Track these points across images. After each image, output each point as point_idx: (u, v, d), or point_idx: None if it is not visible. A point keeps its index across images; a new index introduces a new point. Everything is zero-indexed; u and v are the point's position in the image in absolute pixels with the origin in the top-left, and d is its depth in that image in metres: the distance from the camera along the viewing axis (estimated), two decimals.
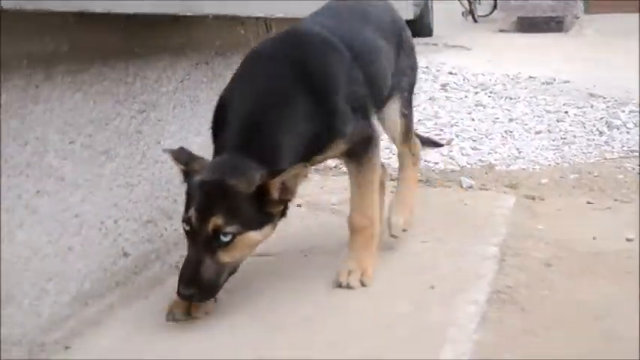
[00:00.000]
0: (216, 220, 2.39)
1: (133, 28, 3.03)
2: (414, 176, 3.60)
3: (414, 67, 3.50)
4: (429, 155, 5.25)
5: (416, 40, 9.22)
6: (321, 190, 3.47)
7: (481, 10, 16.73)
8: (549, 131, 6.08)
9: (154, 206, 3.32)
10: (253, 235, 2.49)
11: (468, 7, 16.31)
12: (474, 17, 16.57)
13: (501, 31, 14.95)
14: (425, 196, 4.42)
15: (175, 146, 2.99)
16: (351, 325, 2.75)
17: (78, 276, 2.82)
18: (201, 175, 2.50)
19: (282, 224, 3.21)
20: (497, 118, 6.31)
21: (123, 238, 3.00)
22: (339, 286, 2.89)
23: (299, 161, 2.61)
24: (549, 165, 5.26)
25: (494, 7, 16.19)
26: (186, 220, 2.45)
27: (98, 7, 2.53)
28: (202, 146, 3.59)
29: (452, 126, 5.97)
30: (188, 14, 3.20)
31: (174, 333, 2.67)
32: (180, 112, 3.60)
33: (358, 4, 3.28)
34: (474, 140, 5.65)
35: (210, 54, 3.87)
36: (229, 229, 2.41)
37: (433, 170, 4.97)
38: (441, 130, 5.85)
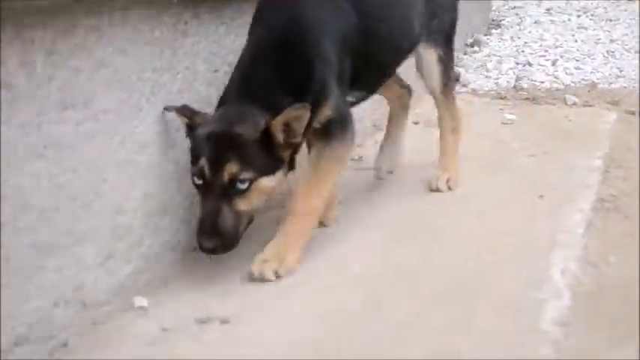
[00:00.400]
0: (232, 167, 2.17)
1: None
2: (454, 144, 3.24)
3: (446, 7, 3.09)
4: (535, 75, 5.23)
5: None
6: (434, 109, 3.46)
7: None
8: None
9: None
10: (267, 181, 2.26)
11: None
12: None
13: None
14: (531, 113, 4.46)
15: None
16: (468, 232, 2.78)
17: None
18: (206, 127, 2.27)
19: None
20: (599, 39, 6.17)
21: None
22: (252, 275, 2.46)
23: None
24: None
25: None
26: (197, 172, 2.22)
27: None
28: None
29: (556, 47, 5.89)
30: None
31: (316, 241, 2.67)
32: None
33: None
34: (577, 60, 5.57)
35: None
36: (245, 175, 2.19)
37: (539, 89, 4.95)
38: (546, 51, 5.78)
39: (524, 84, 5.08)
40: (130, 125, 2.42)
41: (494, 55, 5.74)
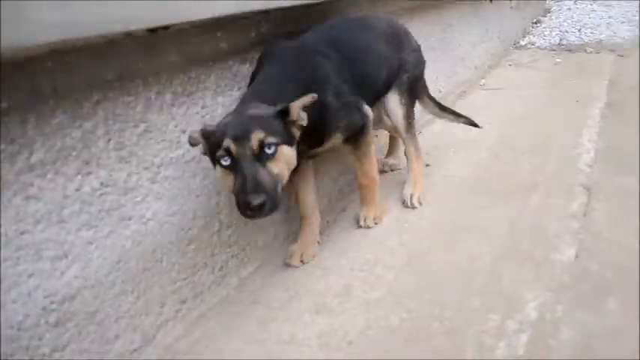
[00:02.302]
0: (259, 134, 1.51)
1: None
2: (418, 168, 2.32)
3: (414, 64, 2.28)
4: (570, 37, 5.30)
5: None
6: (496, 77, 3.80)
7: None
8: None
9: None
10: (288, 150, 1.59)
11: None
12: None
13: None
14: (569, 57, 4.61)
15: None
16: (537, 119, 3.05)
17: None
18: (221, 123, 1.59)
19: None
20: (602, 17, 6.12)
21: None
22: (359, 225, 2.10)
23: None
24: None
25: None
26: (224, 152, 1.51)
27: None
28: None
29: (579, 22, 5.91)
30: None
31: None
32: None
33: (360, 19, 2.27)
34: (591, 28, 5.57)
35: None
36: (270, 139, 1.52)
37: (572, 44, 5.01)
38: (574, 24, 5.79)
39: (564, 42, 5.10)
40: None
41: (547, 27, 5.75)
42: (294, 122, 1.62)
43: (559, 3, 7.15)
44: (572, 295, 1.57)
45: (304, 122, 1.64)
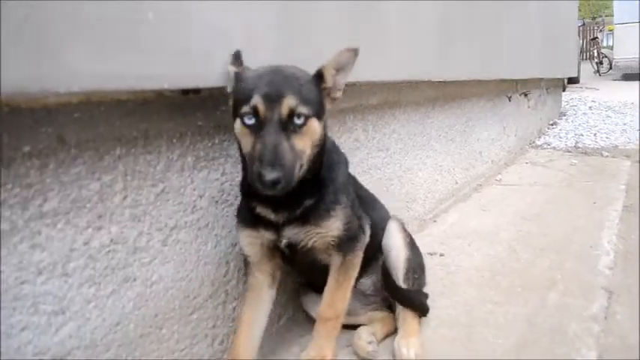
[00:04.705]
0: (290, 101, 1.35)
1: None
2: (415, 326, 1.80)
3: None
4: (585, 140, 5.27)
5: (574, 86, 8.95)
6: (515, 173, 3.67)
7: (603, 69, 16.82)
8: None
9: None
10: (316, 124, 1.41)
11: (596, 68, 16.62)
12: (599, 73, 16.84)
13: (614, 80, 14.44)
14: (585, 160, 4.55)
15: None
16: (556, 220, 2.96)
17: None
18: (255, 71, 1.43)
19: None
20: (617, 123, 6.22)
21: None
22: None
23: None
24: None
25: (610, 67, 16.27)
26: (251, 110, 1.34)
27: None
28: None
29: (595, 126, 5.95)
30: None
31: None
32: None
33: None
34: (606, 133, 5.60)
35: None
36: (302, 109, 1.36)
37: (588, 147, 4.98)
38: (590, 129, 5.82)
39: (580, 145, 5.11)
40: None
41: (562, 129, 5.77)
42: (328, 92, 1.48)
43: (574, 107, 7.33)
44: None
45: (339, 94, 1.50)
